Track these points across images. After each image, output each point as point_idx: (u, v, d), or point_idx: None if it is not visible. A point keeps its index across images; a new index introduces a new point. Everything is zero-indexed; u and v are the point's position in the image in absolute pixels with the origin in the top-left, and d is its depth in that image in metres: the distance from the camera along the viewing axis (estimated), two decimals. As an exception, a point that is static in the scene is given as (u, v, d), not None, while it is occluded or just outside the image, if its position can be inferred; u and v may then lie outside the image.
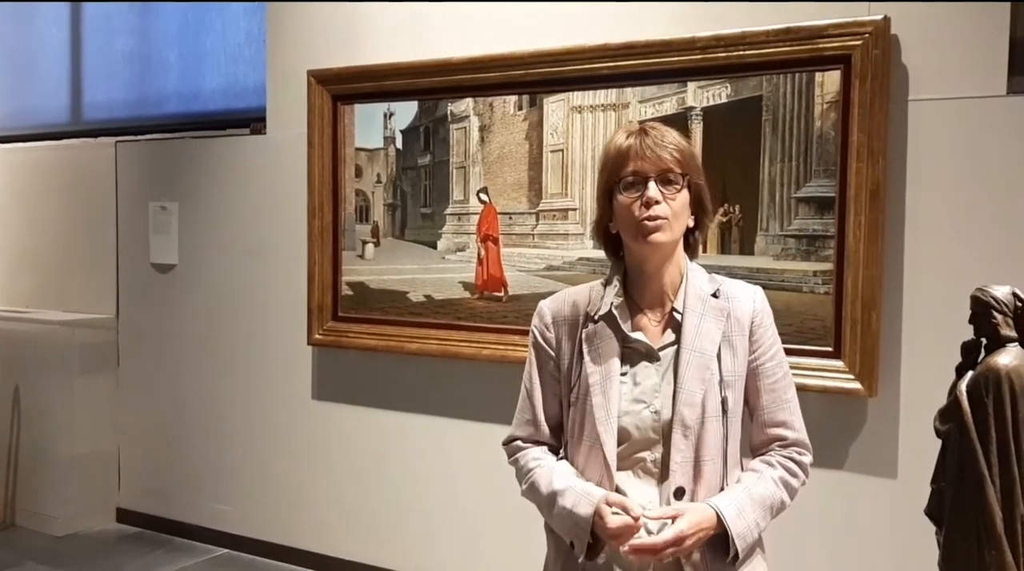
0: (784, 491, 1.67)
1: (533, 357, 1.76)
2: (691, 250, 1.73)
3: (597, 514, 1.57)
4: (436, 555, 3.53)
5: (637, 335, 1.66)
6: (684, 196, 1.63)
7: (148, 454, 4.31)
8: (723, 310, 1.66)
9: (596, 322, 1.68)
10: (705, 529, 1.56)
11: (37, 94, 4.91)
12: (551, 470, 1.70)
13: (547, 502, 1.67)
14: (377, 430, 3.65)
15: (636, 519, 1.55)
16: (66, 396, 4.24)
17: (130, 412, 4.36)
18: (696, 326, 1.64)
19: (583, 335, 1.68)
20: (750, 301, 1.69)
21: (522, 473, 1.76)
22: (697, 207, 1.67)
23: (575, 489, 1.63)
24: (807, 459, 1.70)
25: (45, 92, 4.87)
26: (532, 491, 1.72)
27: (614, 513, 1.55)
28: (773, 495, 1.65)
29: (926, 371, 2.64)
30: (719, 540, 1.59)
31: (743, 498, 1.61)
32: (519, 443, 1.78)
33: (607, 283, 1.71)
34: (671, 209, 1.60)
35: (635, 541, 1.54)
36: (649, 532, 1.57)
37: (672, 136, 1.64)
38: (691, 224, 1.67)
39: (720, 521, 1.57)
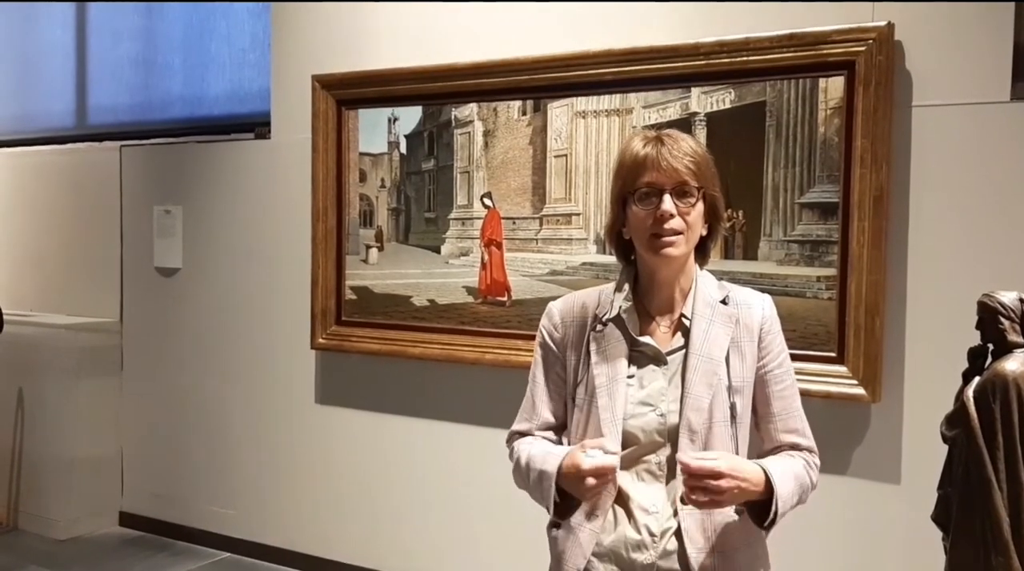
0: (808, 479, 1.66)
1: (539, 357, 1.77)
2: (702, 257, 1.71)
3: (571, 463, 1.56)
4: (438, 559, 3.53)
5: (645, 339, 1.65)
6: (699, 208, 1.61)
7: (151, 458, 4.32)
8: (732, 316, 1.66)
9: (605, 325, 1.68)
10: (744, 478, 1.52)
11: (42, 98, 4.92)
12: (531, 443, 1.71)
13: (525, 474, 1.68)
14: (380, 434, 3.65)
15: (614, 453, 1.55)
16: (69, 399, 4.25)
17: (133, 416, 4.36)
18: (705, 332, 1.64)
19: (591, 337, 1.68)
20: (759, 308, 1.68)
21: (511, 460, 1.77)
22: (711, 216, 1.66)
23: (549, 451, 1.64)
24: (817, 463, 1.71)
25: (50, 96, 4.88)
26: (516, 471, 1.73)
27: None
28: (804, 476, 1.65)
29: (929, 377, 2.64)
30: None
31: (784, 466, 1.61)
32: (518, 437, 1.79)
33: (618, 287, 1.71)
34: (686, 222, 1.59)
35: (684, 458, 1.49)
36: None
37: (688, 145, 1.62)
38: (704, 232, 1.66)
39: (767, 480, 1.55)
